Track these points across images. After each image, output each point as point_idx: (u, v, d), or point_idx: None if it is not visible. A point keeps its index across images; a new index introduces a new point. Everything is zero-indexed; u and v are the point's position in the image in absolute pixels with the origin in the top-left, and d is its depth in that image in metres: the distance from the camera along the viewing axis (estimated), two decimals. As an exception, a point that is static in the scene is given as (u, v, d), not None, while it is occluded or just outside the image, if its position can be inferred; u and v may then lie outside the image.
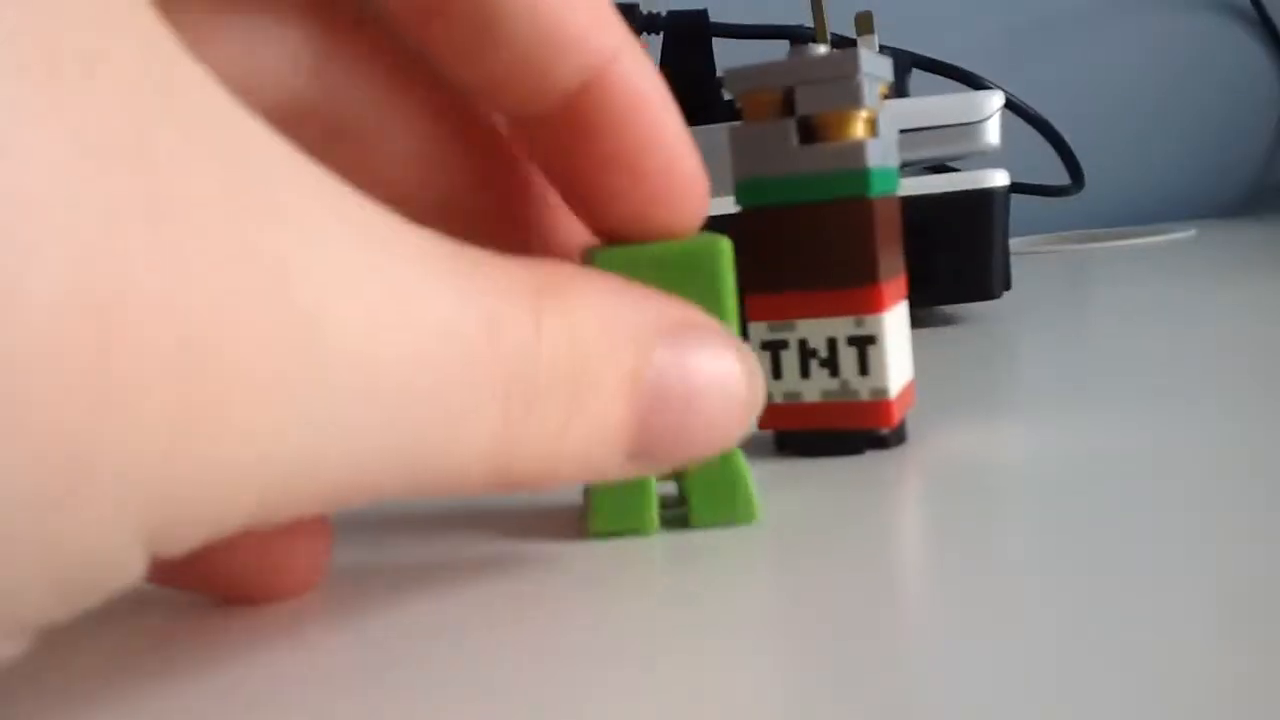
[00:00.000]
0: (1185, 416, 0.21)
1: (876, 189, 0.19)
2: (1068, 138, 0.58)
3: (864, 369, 0.20)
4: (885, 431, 0.20)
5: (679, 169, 0.14)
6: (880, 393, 0.20)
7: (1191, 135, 0.90)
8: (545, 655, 0.13)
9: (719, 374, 0.13)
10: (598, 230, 0.16)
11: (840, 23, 0.44)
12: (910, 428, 0.22)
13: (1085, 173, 0.60)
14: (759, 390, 0.14)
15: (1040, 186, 0.62)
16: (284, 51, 0.14)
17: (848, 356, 0.20)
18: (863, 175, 0.19)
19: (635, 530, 0.16)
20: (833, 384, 0.20)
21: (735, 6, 0.56)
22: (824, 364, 0.20)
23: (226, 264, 0.08)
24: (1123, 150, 0.89)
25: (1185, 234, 0.69)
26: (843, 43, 0.51)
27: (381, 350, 0.09)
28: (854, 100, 0.19)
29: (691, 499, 0.16)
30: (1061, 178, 0.61)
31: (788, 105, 0.20)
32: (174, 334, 0.08)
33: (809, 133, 0.20)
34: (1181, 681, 0.10)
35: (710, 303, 0.15)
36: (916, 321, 0.39)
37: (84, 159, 0.08)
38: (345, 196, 0.10)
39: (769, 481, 0.19)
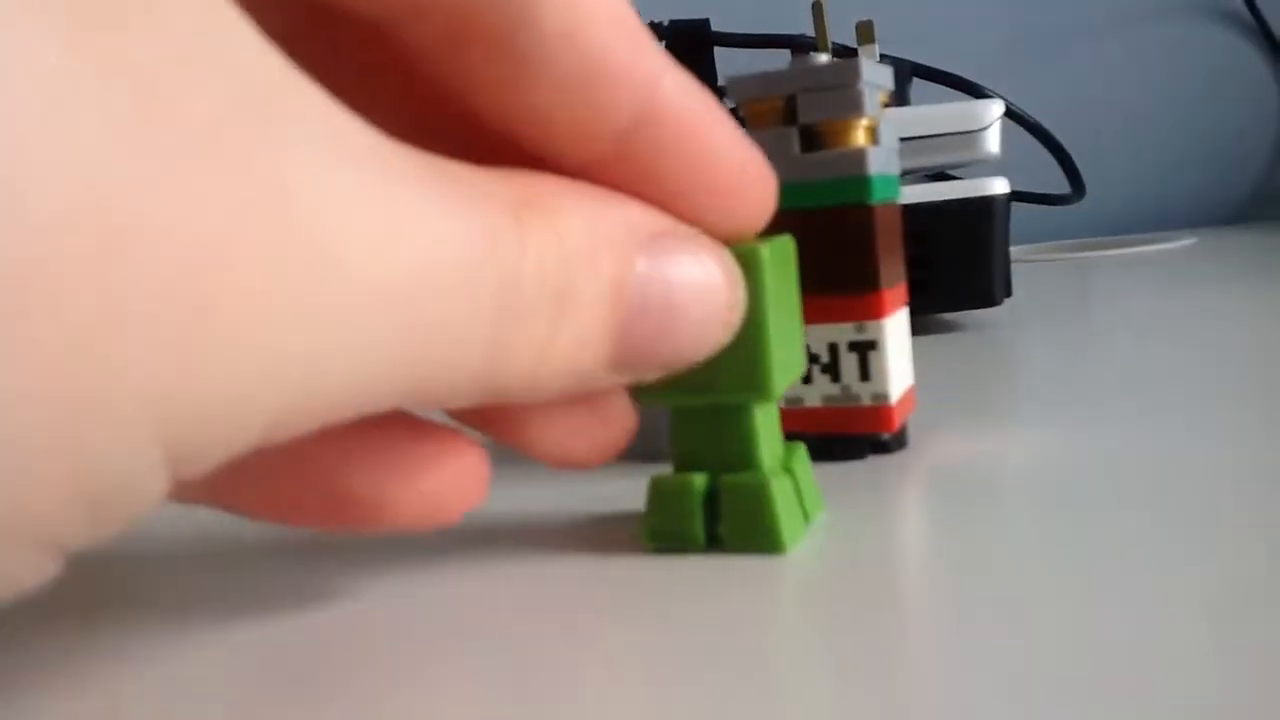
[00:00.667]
0: (1185, 423, 0.21)
1: (878, 196, 0.20)
2: (1068, 146, 0.59)
3: (865, 374, 0.20)
4: (886, 436, 0.21)
5: (745, 176, 0.14)
6: (881, 398, 0.20)
7: (1191, 144, 0.91)
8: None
9: (700, 280, 0.13)
10: None
11: (841, 32, 0.44)
12: (911, 433, 0.22)
13: (1086, 181, 0.60)
14: (740, 296, 0.14)
15: (1041, 195, 0.62)
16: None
17: (849, 362, 0.20)
18: (864, 182, 0.19)
19: (684, 544, 0.16)
20: (834, 389, 0.20)
21: (737, 16, 0.56)
22: (825, 369, 0.20)
23: (229, 183, 0.08)
24: (1123, 159, 0.90)
25: (1185, 242, 0.70)
26: (844, 52, 0.52)
27: (381, 267, 0.10)
28: (855, 109, 0.19)
29: (724, 525, 0.16)
30: (1062, 186, 0.61)
31: (789, 113, 0.20)
32: (178, 250, 0.08)
33: (811, 141, 0.20)
34: (1182, 687, 0.11)
35: (745, 311, 0.15)
36: (918, 328, 0.39)
37: (83, 74, 0.08)
38: (344, 118, 0.10)
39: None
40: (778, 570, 0.15)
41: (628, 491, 0.20)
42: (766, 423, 0.16)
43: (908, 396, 0.21)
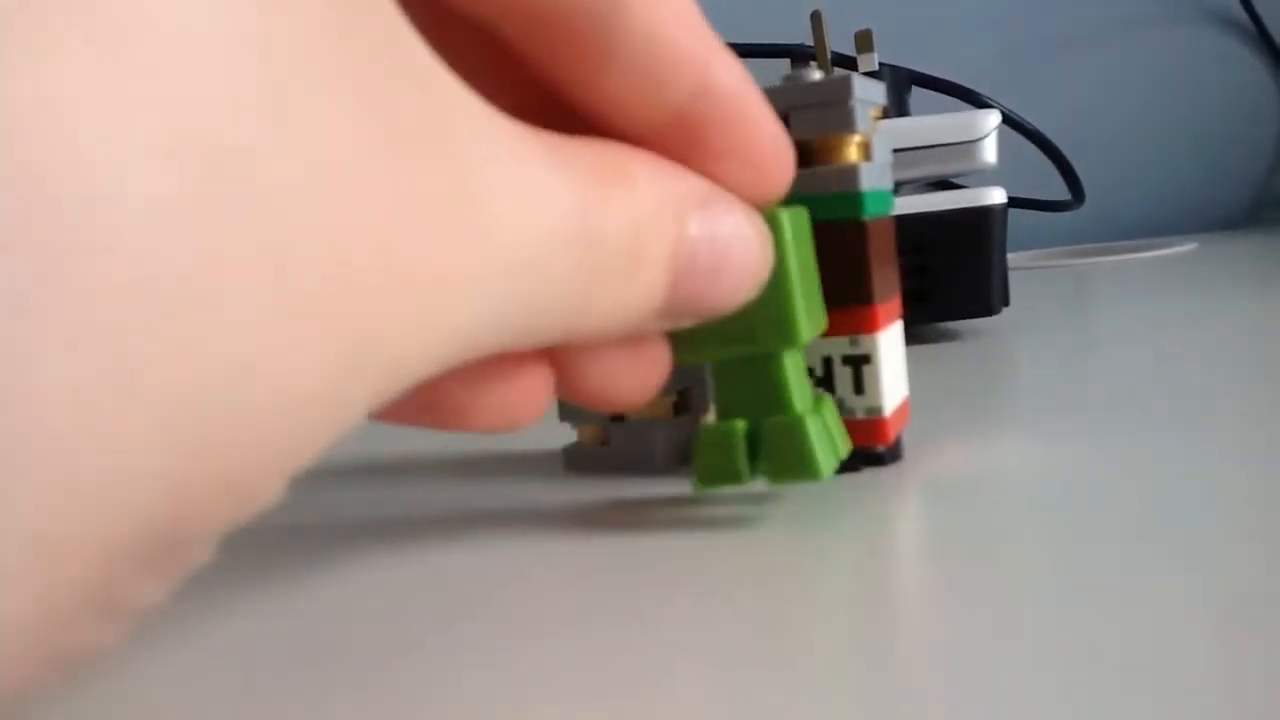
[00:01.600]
0: (1186, 431, 0.21)
1: (870, 211, 0.20)
2: (1068, 153, 0.59)
3: (859, 388, 0.20)
4: (881, 449, 0.21)
5: (775, 148, 0.16)
6: (875, 411, 0.20)
7: (1191, 150, 0.91)
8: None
9: (740, 239, 0.15)
10: None
11: (841, 41, 0.45)
12: (907, 444, 0.22)
13: (1085, 187, 0.61)
14: (769, 254, 0.16)
15: (1041, 201, 0.63)
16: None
17: (843, 376, 0.20)
18: (857, 198, 0.20)
19: (732, 483, 0.18)
20: (829, 402, 0.20)
21: (735, 26, 0.56)
22: (820, 382, 0.20)
23: (428, 178, 0.10)
24: (1123, 165, 0.90)
25: (1185, 248, 0.70)
26: (843, 61, 0.52)
27: (519, 235, 0.11)
28: (847, 125, 0.19)
29: (765, 462, 0.18)
30: (1062, 193, 0.61)
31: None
32: (392, 235, 0.09)
33: (803, 157, 0.20)
34: (1181, 696, 0.11)
35: (777, 260, 0.17)
36: (916, 337, 0.39)
37: (329, 98, 0.09)
38: (492, 109, 0.12)
39: (763, 498, 0.20)
40: (770, 582, 0.15)
41: (629, 494, 0.20)
42: (796, 371, 0.18)
43: (902, 409, 0.22)
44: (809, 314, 0.18)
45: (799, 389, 0.18)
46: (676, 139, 0.15)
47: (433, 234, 0.10)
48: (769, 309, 0.17)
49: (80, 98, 0.07)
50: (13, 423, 0.07)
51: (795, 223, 0.17)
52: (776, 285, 0.17)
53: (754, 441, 0.18)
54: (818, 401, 0.19)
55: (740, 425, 0.18)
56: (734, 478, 0.18)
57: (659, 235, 0.14)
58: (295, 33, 0.08)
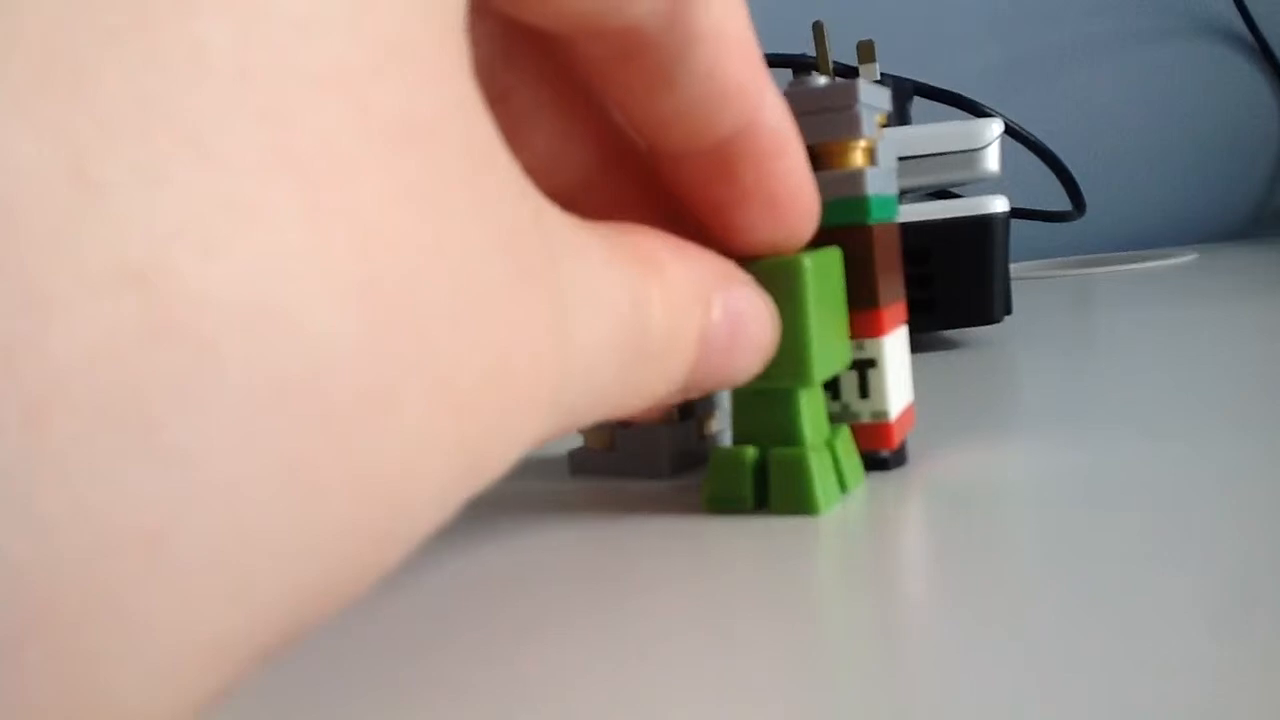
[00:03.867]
0: (1186, 440, 0.21)
1: (876, 216, 0.20)
2: (1069, 164, 0.59)
3: (864, 392, 0.20)
4: (886, 453, 0.21)
5: (802, 200, 0.17)
6: (881, 415, 0.20)
7: (1192, 160, 0.91)
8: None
9: (753, 320, 0.16)
10: (713, 239, 0.17)
11: (843, 51, 0.45)
12: (911, 450, 0.22)
13: (1086, 198, 0.61)
14: (777, 329, 0.17)
15: (1042, 212, 0.63)
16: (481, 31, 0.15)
17: (849, 380, 0.20)
18: (862, 203, 0.20)
19: (736, 507, 0.19)
20: (834, 406, 0.20)
21: (738, 36, 0.56)
22: (825, 387, 0.20)
23: (527, 296, 0.10)
24: (1124, 176, 0.90)
25: (1186, 258, 0.70)
26: (845, 71, 0.52)
27: (592, 339, 0.12)
28: (852, 130, 0.20)
29: (770, 491, 0.19)
30: (1063, 203, 0.61)
31: (788, 135, 0.20)
32: (504, 343, 0.10)
33: (809, 162, 0.20)
34: (1183, 699, 0.11)
35: (791, 310, 0.18)
36: (918, 346, 0.39)
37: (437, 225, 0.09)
38: (571, 222, 0.12)
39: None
40: (776, 585, 0.15)
41: (634, 497, 0.20)
42: (810, 406, 0.19)
43: (907, 414, 0.22)
44: (826, 355, 0.18)
45: (812, 423, 0.19)
46: (714, 169, 0.16)
47: (538, 354, 0.10)
48: (786, 350, 0.18)
49: (293, 254, 0.08)
50: (206, 539, 0.07)
51: (820, 268, 0.18)
52: (794, 329, 0.18)
53: (764, 469, 0.19)
54: (834, 433, 0.20)
55: (751, 452, 0.19)
56: (739, 503, 0.19)
57: (689, 320, 0.15)
58: (441, 185, 0.09)
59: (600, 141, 0.17)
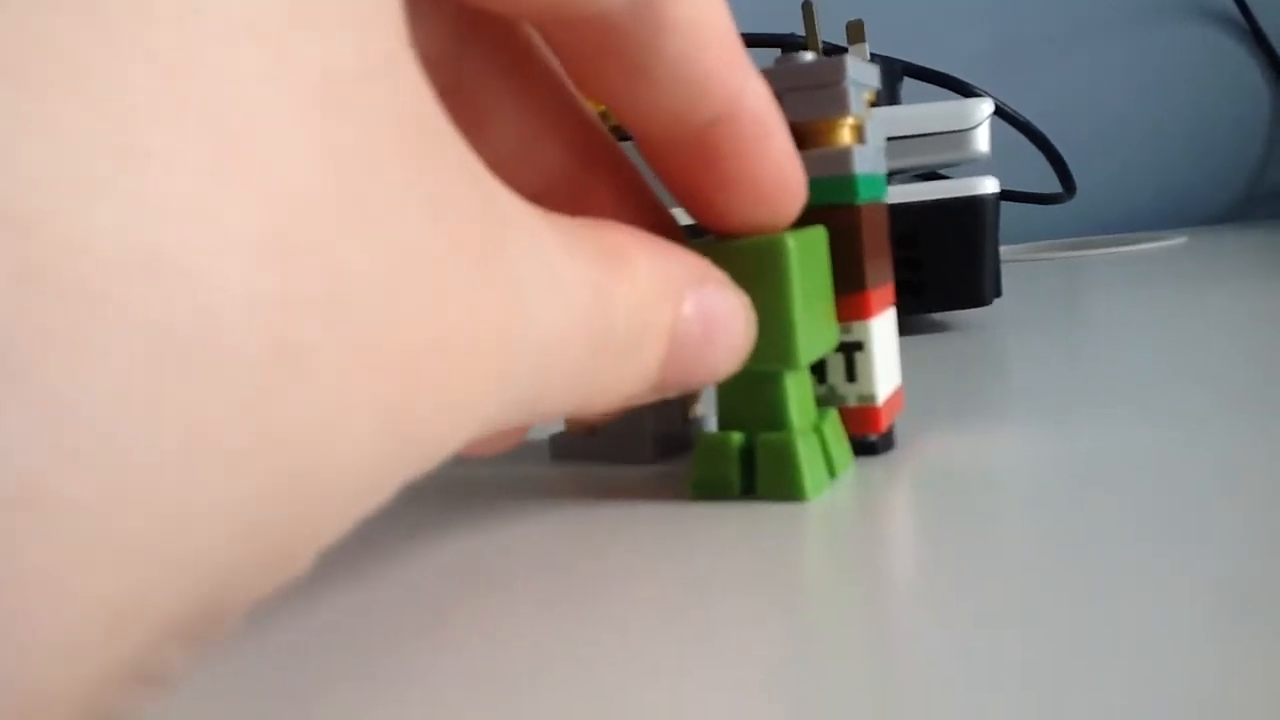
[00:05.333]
0: (1176, 423, 0.21)
1: (863, 195, 0.20)
2: (1059, 146, 0.59)
3: (851, 375, 0.20)
4: (874, 437, 0.20)
5: (787, 184, 0.17)
6: (868, 399, 0.20)
7: (1182, 143, 0.91)
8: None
9: (728, 317, 0.16)
10: (700, 221, 0.18)
11: (832, 31, 0.44)
12: (900, 434, 0.22)
13: (1076, 180, 0.61)
14: (754, 328, 0.17)
15: (1032, 194, 0.63)
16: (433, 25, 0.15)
17: (835, 363, 0.20)
18: (849, 181, 0.19)
19: (723, 493, 0.19)
20: (820, 390, 0.20)
21: (727, 15, 0.56)
22: (812, 370, 0.20)
23: (484, 277, 0.10)
24: (1114, 158, 0.90)
25: (1176, 241, 0.70)
26: (835, 51, 0.52)
27: (547, 325, 0.12)
28: (840, 108, 0.19)
29: (757, 476, 0.19)
30: (1053, 185, 0.61)
31: (775, 112, 0.20)
32: (436, 314, 0.10)
33: (796, 140, 0.19)
34: (1180, 687, 0.10)
35: (775, 291, 0.17)
36: (907, 328, 0.39)
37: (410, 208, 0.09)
38: (526, 206, 0.12)
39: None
40: (762, 571, 0.15)
41: (616, 483, 0.19)
42: (797, 389, 0.19)
43: (895, 397, 0.21)
44: (811, 337, 0.18)
45: (798, 407, 0.19)
46: (695, 157, 0.16)
47: (482, 329, 0.10)
48: (770, 332, 0.17)
49: (191, 204, 0.07)
50: (88, 494, 0.07)
51: (804, 247, 0.18)
52: (778, 311, 0.17)
53: (749, 454, 0.19)
54: (821, 417, 0.19)
55: (736, 438, 0.19)
56: (725, 488, 0.19)
57: (659, 316, 0.14)
58: (366, 144, 0.09)
59: (570, 139, 0.17)
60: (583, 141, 0.17)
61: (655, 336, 0.14)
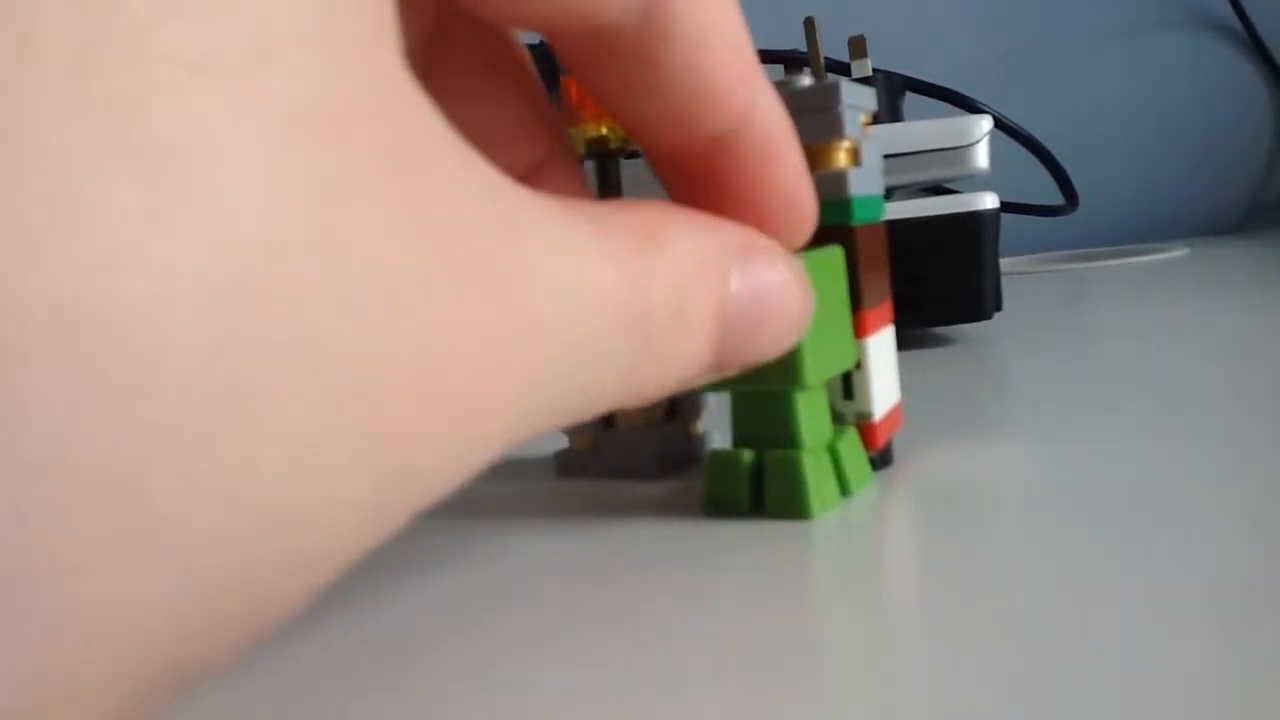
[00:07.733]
0: (1179, 436, 0.21)
1: (859, 217, 0.20)
2: (1061, 158, 0.59)
3: (848, 393, 0.20)
4: (871, 454, 0.21)
5: (797, 204, 0.16)
6: (865, 416, 0.20)
7: (1183, 155, 0.91)
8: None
9: (781, 289, 0.15)
10: None
11: (834, 47, 0.45)
12: (898, 450, 0.22)
13: (1079, 192, 0.61)
14: (811, 298, 0.16)
15: (1034, 206, 0.63)
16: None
17: (833, 381, 0.20)
18: (845, 204, 0.20)
19: (733, 511, 0.19)
20: (819, 408, 0.20)
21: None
22: (810, 388, 0.20)
23: (489, 281, 0.10)
24: (1116, 170, 0.90)
25: (1178, 253, 0.70)
26: (837, 67, 0.52)
27: (575, 323, 0.11)
28: (835, 131, 0.19)
29: (766, 495, 0.19)
30: (1055, 197, 0.61)
31: (772, 136, 0.20)
32: (426, 350, 0.09)
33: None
34: (1181, 697, 0.11)
35: None
36: (908, 343, 0.39)
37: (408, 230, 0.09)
38: (545, 201, 0.12)
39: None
40: (760, 587, 0.15)
41: (621, 499, 0.20)
42: (809, 407, 0.19)
43: (893, 414, 0.22)
44: (822, 356, 0.18)
45: (810, 425, 0.19)
46: (703, 172, 0.16)
47: (491, 346, 0.10)
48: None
49: (131, 254, 0.07)
50: (29, 567, 0.07)
51: (818, 267, 0.18)
52: None
53: (761, 472, 0.19)
54: (838, 435, 0.19)
55: (746, 455, 0.19)
56: (736, 506, 0.19)
57: (703, 296, 0.14)
58: (348, 174, 0.08)
59: (537, 138, 0.17)
60: (546, 141, 0.17)
61: (702, 316, 0.14)
